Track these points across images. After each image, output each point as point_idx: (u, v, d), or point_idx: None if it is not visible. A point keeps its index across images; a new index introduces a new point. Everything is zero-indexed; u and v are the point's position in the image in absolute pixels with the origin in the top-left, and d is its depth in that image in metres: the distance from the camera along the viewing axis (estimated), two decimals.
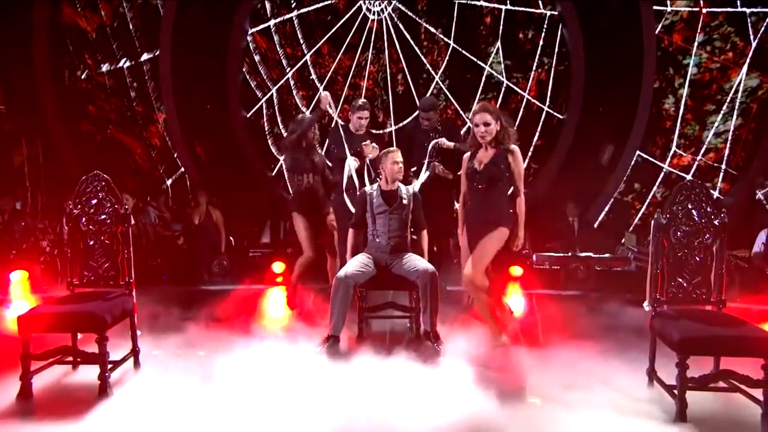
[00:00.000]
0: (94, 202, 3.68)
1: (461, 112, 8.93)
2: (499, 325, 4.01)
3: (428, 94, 8.28)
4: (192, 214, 7.55)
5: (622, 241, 7.49)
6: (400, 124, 8.78)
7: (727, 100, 8.29)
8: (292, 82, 9.12)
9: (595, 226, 8.39)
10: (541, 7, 8.72)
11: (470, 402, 3.18)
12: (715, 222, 3.40)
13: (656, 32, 8.28)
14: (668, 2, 8.29)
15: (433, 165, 4.92)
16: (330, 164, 5.17)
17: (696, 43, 8.30)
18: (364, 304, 4.31)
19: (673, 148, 8.54)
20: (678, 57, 8.44)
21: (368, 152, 4.84)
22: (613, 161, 8.54)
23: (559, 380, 3.48)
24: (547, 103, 8.85)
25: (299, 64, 9.07)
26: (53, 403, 3.26)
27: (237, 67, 8.88)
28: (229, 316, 4.78)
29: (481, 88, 8.96)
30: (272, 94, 9.09)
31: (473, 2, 8.81)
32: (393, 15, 8.96)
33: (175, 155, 8.94)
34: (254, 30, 8.96)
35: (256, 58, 9.01)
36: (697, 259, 3.42)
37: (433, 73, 9.02)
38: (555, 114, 8.83)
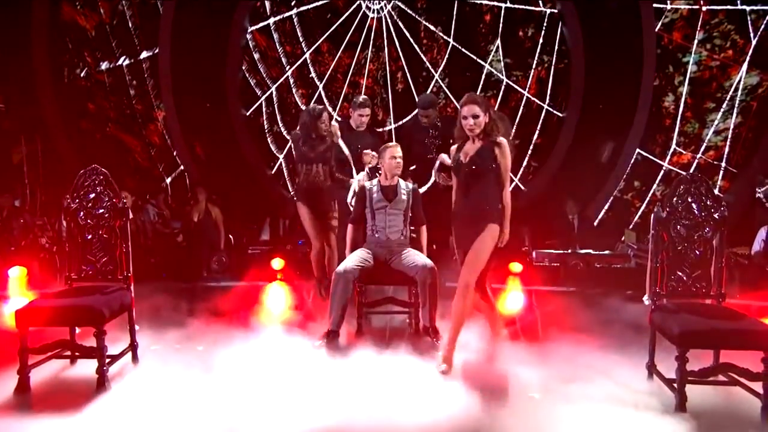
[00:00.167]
0: (92, 196, 3.67)
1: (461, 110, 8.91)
2: (497, 321, 3.97)
3: (427, 92, 8.28)
4: (191, 212, 7.54)
5: (622, 238, 7.48)
6: (400, 122, 8.78)
7: (727, 98, 8.28)
8: (291, 80, 9.13)
9: (595, 224, 8.39)
10: (541, 5, 8.71)
11: (470, 396, 3.17)
12: (715, 215, 3.39)
13: (656, 30, 8.27)
14: (668, 0, 8.28)
15: (439, 175, 4.88)
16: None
17: (696, 41, 8.29)
18: (364, 300, 4.31)
19: (673, 146, 8.54)
20: (678, 55, 8.44)
21: (368, 161, 4.84)
22: (613, 159, 8.53)
23: (559, 374, 3.47)
24: (547, 101, 8.85)
25: (299, 62, 9.07)
26: (51, 397, 3.25)
27: (236, 65, 8.88)
28: (228, 311, 4.76)
29: (480, 86, 8.96)
30: (272, 92, 9.09)
31: (473, 0, 8.80)
32: (392, 13, 8.96)
33: (175, 153, 8.94)
34: (254, 28, 8.97)
35: (256, 56, 9.02)
36: (697, 252, 3.41)
37: (432, 71, 9.03)
38: (555, 112, 8.83)
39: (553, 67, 8.78)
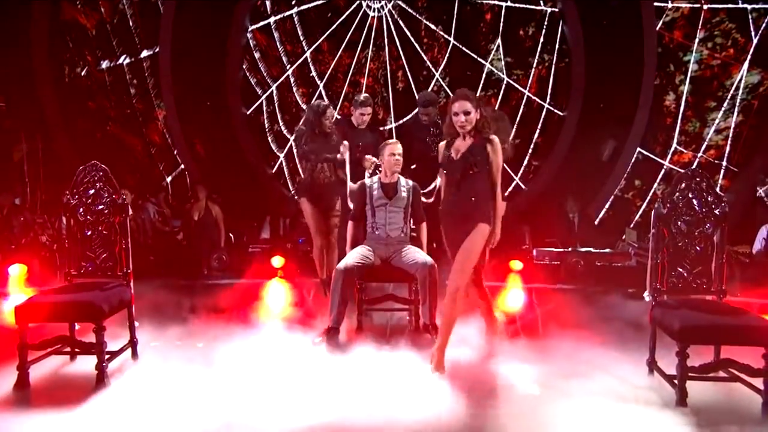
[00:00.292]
0: (91, 192, 3.67)
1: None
2: (494, 319, 3.95)
3: (428, 90, 8.27)
4: (191, 210, 7.54)
5: (623, 237, 7.47)
6: (400, 121, 8.78)
7: (728, 97, 8.27)
8: (292, 79, 9.13)
9: (596, 223, 8.38)
10: (542, 3, 8.71)
11: (469, 393, 3.16)
12: (716, 211, 3.38)
13: (657, 29, 8.26)
14: None
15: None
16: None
17: (697, 40, 8.28)
18: (364, 297, 4.30)
19: (674, 144, 8.53)
20: (679, 53, 8.43)
21: (367, 166, 4.84)
22: (614, 158, 8.52)
23: (559, 371, 3.47)
24: (548, 100, 8.84)
25: (299, 61, 9.07)
26: (50, 393, 3.25)
27: (237, 64, 8.88)
28: (228, 308, 4.76)
29: (481, 85, 8.96)
30: (272, 91, 9.09)
31: None
32: (393, 12, 8.96)
33: (175, 152, 8.93)
34: (254, 27, 8.97)
35: (256, 55, 9.02)
36: (698, 248, 3.40)
37: (433, 70, 9.02)
38: (555, 111, 8.82)
39: (553, 66, 8.77)
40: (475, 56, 8.91)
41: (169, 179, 8.98)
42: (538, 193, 8.59)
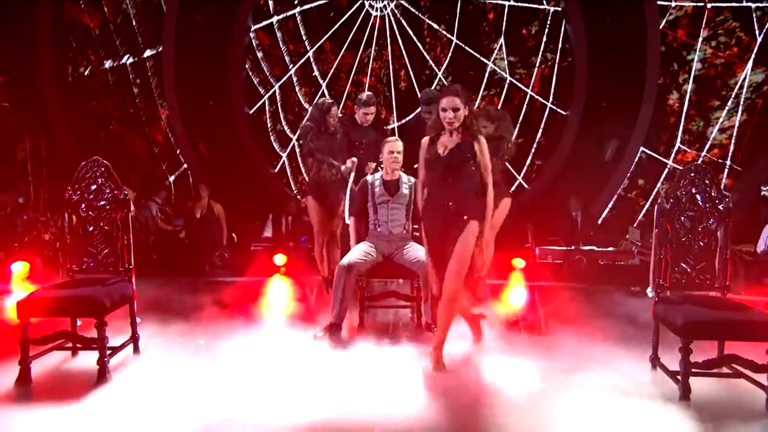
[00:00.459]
0: (93, 187, 3.67)
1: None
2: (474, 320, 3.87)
3: (431, 89, 8.25)
4: (194, 208, 7.55)
5: (626, 236, 7.45)
6: (403, 121, 8.78)
7: (732, 96, 8.24)
8: (294, 79, 9.13)
9: (599, 222, 8.35)
10: (545, 2, 8.70)
11: (472, 390, 3.15)
12: (720, 207, 3.36)
13: (660, 27, 8.24)
14: None
15: None
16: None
17: (700, 39, 8.25)
18: (366, 294, 4.30)
19: (678, 144, 8.50)
20: (682, 52, 8.40)
21: (367, 172, 4.85)
22: (617, 157, 8.49)
23: (562, 367, 3.45)
24: (551, 99, 8.82)
25: (302, 61, 9.07)
26: (52, 388, 3.25)
27: (240, 63, 8.89)
28: (230, 305, 4.77)
29: (484, 84, 8.95)
30: (275, 91, 9.10)
31: None
32: (396, 11, 8.96)
33: (178, 151, 8.95)
34: (257, 27, 8.98)
35: (259, 54, 9.03)
36: (701, 244, 3.38)
37: (435, 69, 9.01)
38: (558, 110, 8.80)
39: (556, 66, 8.76)
40: (478, 55, 8.90)
41: (172, 178, 9.00)
42: (540, 192, 8.56)
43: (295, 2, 8.94)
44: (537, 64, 8.83)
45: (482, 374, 3.37)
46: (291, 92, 9.15)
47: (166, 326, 4.29)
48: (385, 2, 8.93)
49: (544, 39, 8.74)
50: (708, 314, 3.09)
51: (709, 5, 8.16)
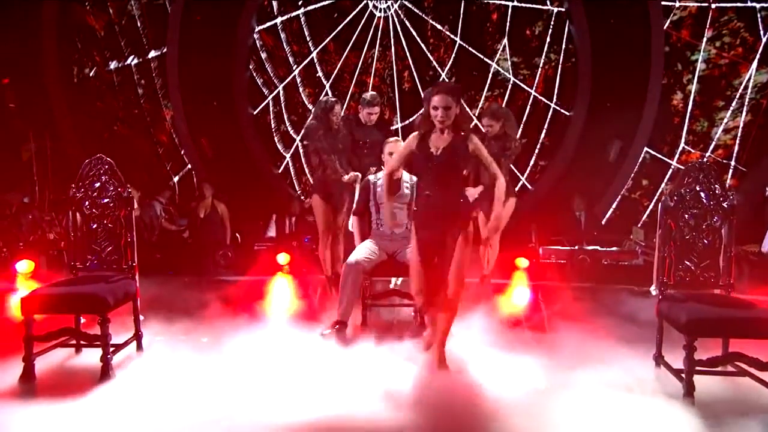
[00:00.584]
0: (97, 185, 3.68)
1: (468, 108, 8.91)
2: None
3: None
4: (197, 208, 7.57)
5: (630, 236, 7.42)
6: (407, 121, 8.78)
7: (737, 96, 8.21)
8: (298, 80, 9.16)
9: (603, 222, 8.33)
10: (548, 3, 8.69)
11: (474, 387, 3.14)
12: (724, 204, 3.35)
13: (664, 28, 8.22)
14: None
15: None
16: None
17: (705, 39, 8.23)
18: (369, 292, 4.29)
19: (682, 144, 8.47)
20: (687, 53, 8.38)
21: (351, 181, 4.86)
22: (621, 158, 8.47)
23: (566, 365, 3.43)
24: (554, 100, 8.81)
25: (306, 62, 9.10)
26: (55, 385, 3.26)
27: (244, 64, 8.92)
28: (233, 304, 4.76)
29: (487, 85, 8.95)
30: (279, 92, 9.12)
31: None
32: (399, 12, 8.98)
33: (182, 152, 8.97)
34: (261, 28, 9.01)
35: (263, 55, 9.07)
36: (705, 242, 3.36)
37: (439, 70, 9.02)
38: (562, 111, 8.79)
39: (560, 66, 8.75)
40: (482, 56, 8.91)
41: (176, 179, 9.02)
42: (544, 193, 8.55)
43: (299, 3, 8.97)
44: (540, 65, 8.83)
45: (485, 372, 3.35)
46: (295, 93, 9.18)
47: (169, 324, 4.29)
48: (389, 3, 8.95)
49: (548, 40, 8.74)
50: (712, 311, 3.07)
51: (713, 5, 8.14)
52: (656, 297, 3.43)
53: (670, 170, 8.45)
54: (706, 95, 8.37)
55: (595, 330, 4.09)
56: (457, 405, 2.95)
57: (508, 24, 8.76)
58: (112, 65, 8.86)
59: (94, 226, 3.69)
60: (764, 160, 8.07)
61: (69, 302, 3.37)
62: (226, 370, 3.39)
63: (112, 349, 3.41)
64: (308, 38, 9.05)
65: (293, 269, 5.30)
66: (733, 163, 8.29)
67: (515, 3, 8.71)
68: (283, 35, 9.05)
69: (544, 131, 8.85)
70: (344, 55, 9.07)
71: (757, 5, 7.98)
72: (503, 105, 8.64)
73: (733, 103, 8.25)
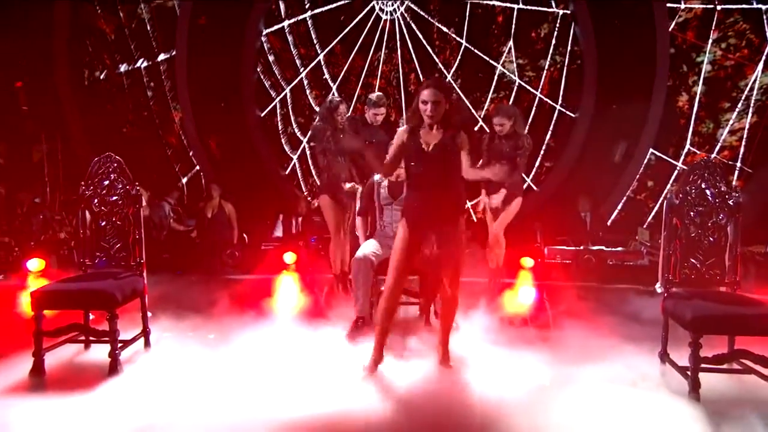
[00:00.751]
0: (106, 183, 3.73)
1: (473, 111, 8.94)
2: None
3: None
4: (205, 208, 7.63)
5: (636, 236, 7.42)
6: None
7: (743, 98, 8.19)
8: (305, 82, 9.21)
9: (608, 224, 8.32)
10: (554, 5, 8.72)
11: (480, 385, 3.15)
12: (730, 202, 3.35)
13: (670, 30, 8.22)
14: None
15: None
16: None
17: (710, 41, 8.23)
18: (375, 290, 4.30)
19: (687, 145, 8.46)
20: (692, 54, 8.37)
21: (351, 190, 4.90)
22: (626, 159, 8.46)
23: (571, 363, 3.44)
24: (560, 102, 8.82)
25: (313, 64, 9.15)
26: (65, 380, 3.31)
27: (251, 67, 8.98)
28: (240, 302, 4.79)
29: (493, 87, 8.97)
30: (286, 94, 9.18)
31: (485, 2, 8.84)
32: (405, 15, 9.02)
33: (191, 153, 9.05)
34: (268, 31, 9.07)
35: (271, 58, 9.12)
36: (711, 239, 3.37)
37: (445, 72, 9.05)
38: (567, 113, 8.79)
39: (565, 68, 8.76)
40: (487, 58, 8.93)
41: (184, 180, 9.09)
42: (550, 194, 8.55)
43: (306, 6, 9.04)
44: (546, 67, 8.84)
45: (489, 369, 3.36)
46: (302, 95, 9.23)
47: (177, 321, 4.34)
48: (395, 5, 9.00)
49: (553, 42, 8.75)
50: (718, 309, 3.07)
51: (719, 7, 8.13)
52: (661, 294, 3.43)
53: (676, 171, 8.43)
54: (712, 97, 8.36)
55: (600, 328, 4.10)
56: (462, 402, 2.96)
57: (513, 26, 8.78)
58: (122, 68, 8.94)
59: (103, 223, 3.74)
60: None
61: (78, 298, 3.41)
62: (233, 366, 3.43)
63: (120, 344, 3.46)
64: (315, 41, 9.11)
65: (299, 268, 5.31)
66: (738, 164, 8.27)
67: (521, 5, 8.74)
68: (290, 38, 9.11)
69: (550, 132, 8.85)
70: (351, 58, 9.12)
71: (763, 7, 7.98)
72: None
73: (739, 105, 8.23)
